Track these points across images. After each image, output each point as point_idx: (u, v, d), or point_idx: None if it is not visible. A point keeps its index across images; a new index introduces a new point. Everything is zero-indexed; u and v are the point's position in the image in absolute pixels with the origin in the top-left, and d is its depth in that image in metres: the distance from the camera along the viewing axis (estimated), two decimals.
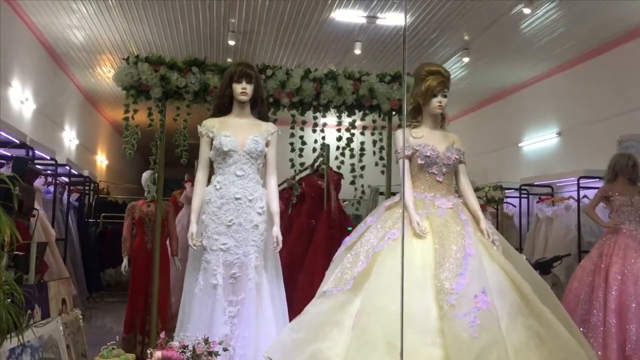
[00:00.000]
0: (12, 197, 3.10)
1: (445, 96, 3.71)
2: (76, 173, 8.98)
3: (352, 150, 4.75)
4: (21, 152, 6.59)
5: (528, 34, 8.15)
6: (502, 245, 3.55)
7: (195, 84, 4.44)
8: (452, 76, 10.38)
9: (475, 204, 3.68)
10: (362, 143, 4.97)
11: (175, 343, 2.98)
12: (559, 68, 9.27)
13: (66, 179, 8.97)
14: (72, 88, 10.65)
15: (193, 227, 3.62)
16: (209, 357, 3.00)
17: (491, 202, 9.65)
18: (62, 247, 8.10)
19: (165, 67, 4.37)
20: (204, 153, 3.76)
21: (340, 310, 3.20)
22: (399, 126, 3.81)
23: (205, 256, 3.60)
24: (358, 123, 4.96)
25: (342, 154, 4.83)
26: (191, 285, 3.64)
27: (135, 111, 4.44)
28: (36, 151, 6.91)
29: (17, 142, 6.39)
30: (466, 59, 8.99)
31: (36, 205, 7.12)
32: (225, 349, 3.10)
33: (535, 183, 9.26)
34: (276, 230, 3.68)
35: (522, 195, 9.69)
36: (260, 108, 3.85)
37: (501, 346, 2.96)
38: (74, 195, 9.57)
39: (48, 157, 7.45)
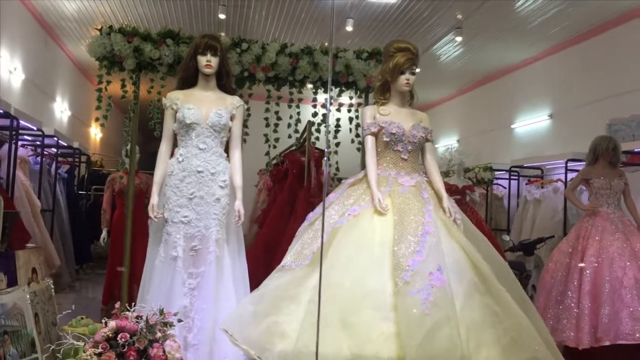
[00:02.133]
0: None
1: (413, 73, 3.68)
2: (65, 145, 8.95)
3: (327, 126, 4.72)
4: (5, 122, 6.61)
5: (522, 14, 8.06)
6: (465, 224, 3.55)
7: (170, 56, 4.41)
8: (445, 57, 10.35)
9: (439, 182, 3.68)
10: (338, 120, 4.95)
11: (130, 313, 3.00)
12: (553, 50, 9.19)
13: (56, 150, 8.99)
14: (64, 59, 10.60)
15: (154, 199, 3.63)
16: (164, 328, 3.02)
17: (481, 182, 9.66)
18: (49, 218, 8.15)
19: (138, 39, 4.35)
20: (168, 125, 3.74)
21: (297, 285, 3.21)
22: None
23: (166, 228, 3.61)
24: (334, 99, 4.94)
25: (318, 130, 4.81)
26: (152, 257, 3.66)
27: (109, 82, 4.43)
28: (22, 122, 6.93)
29: (1, 111, 6.38)
30: (459, 38, 8.92)
31: (21, 176, 7.19)
32: (180, 320, 3.11)
33: (525, 165, 9.24)
34: (238, 204, 3.68)
35: (512, 177, 9.67)
36: (226, 81, 3.83)
37: (453, 323, 2.97)
38: (64, 167, 9.59)
39: (35, 128, 7.45)
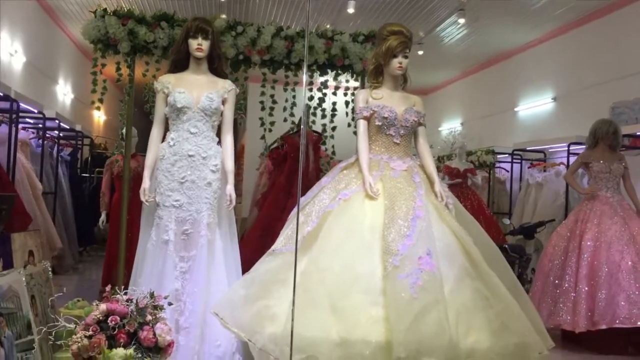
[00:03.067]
0: None
1: (406, 57, 3.65)
2: (67, 127, 8.97)
3: (323, 110, 4.71)
4: (5, 105, 6.62)
5: None
6: (457, 208, 3.54)
7: (164, 39, 4.40)
8: (448, 39, 10.25)
9: (431, 166, 3.66)
10: (334, 103, 4.93)
11: (120, 296, 3.03)
12: (557, 32, 9.10)
13: (60, 134, 9.02)
14: (66, 41, 10.59)
15: (145, 183, 3.64)
16: (155, 311, 3.04)
17: (483, 166, 9.63)
18: (51, 201, 8.20)
19: (133, 21, 4.34)
20: (159, 109, 3.73)
21: (288, 269, 3.20)
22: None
23: (158, 212, 3.62)
24: (330, 83, 4.92)
25: (314, 114, 4.79)
26: (144, 240, 3.68)
27: (104, 65, 4.42)
28: (23, 104, 6.94)
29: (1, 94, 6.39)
30: (462, 20, 8.84)
31: (22, 158, 7.22)
32: (170, 304, 3.13)
33: (528, 148, 9.19)
34: (229, 189, 3.68)
35: (515, 161, 9.64)
36: (218, 65, 3.81)
37: (441, 307, 2.98)
38: (67, 150, 9.62)
39: (35, 111, 7.46)
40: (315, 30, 4.72)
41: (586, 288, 5.24)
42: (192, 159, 3.62)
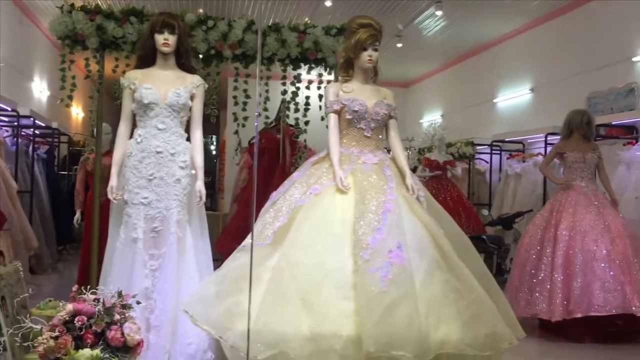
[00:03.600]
0: None
1: (376, 50, 3.63)
2: (43, 125, 8.85)
3: (297, 104, 4.68)
4: None
5: None
6: (428, 201, 3.54)
7: (134, 34, 4.34)
8: (427, 31, 10.23)
9: (402, 159, 3.65)
10: (307, 97, 4.90)
11: (86, 296, 2.99)
12: (534, 23, 9.13)
13: (36, 131, 8.91)
14: (40, 38, 10.45)
15: (113, 181, 3.59)
16: (123, 310, 3.01)
17: (462, 157, 9.67)
18: (28, 200, 8.10)
19: (101, 17, 4.27)
20: (127, 106, 3.68)
21: (258, 264, 3.19)
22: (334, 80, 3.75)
23: (126, 210, 3.58)
24: (303, 77, 4.88)
25: (287, 108, 4.76)
26: (113, 238, 3.64)
27: (72, 62, 4.35)
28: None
29: None
30: (439, 12, 8.84)
31: None
32: (138, 302, 3.10)
33: (506, 139, 9.24)
34: (199, 185, 3.64)
35: (494, 152, 9.69)
36: (185, 60, 3.76)
37: (411, 301, 2.97)
38: (44, 148, 9.51)
39: (9, 109, 7.36)
40: (287, 24, 4.68)
41: (562, 277, 5.27)
42: (160, 155, 3.57)
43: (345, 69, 3.70)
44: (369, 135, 3.61)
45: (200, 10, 9.05)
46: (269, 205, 3.52)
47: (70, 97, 4.35)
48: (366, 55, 3.61)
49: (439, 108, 12.53)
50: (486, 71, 10.64)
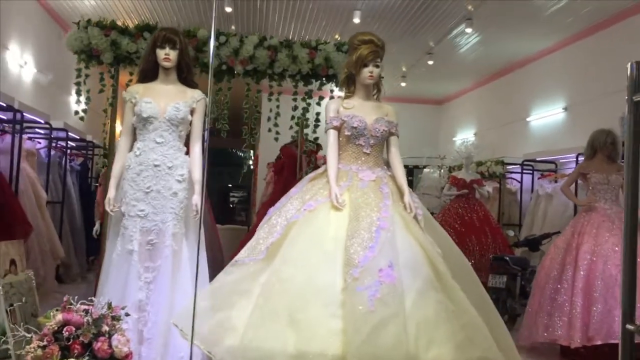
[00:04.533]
0: None
1: (377, 66, 3.60)
2: (77, 137, 9.08)
3: (307, 120, 4.68)
4: (10, 116, 6.74)
5: (536, 3, 7.86)
6: (427, 220, 3.47)
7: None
8: (459, 49, 10.13)
9: (401, 177, 3.60)
10: (318, 114, 4.90)
11: (75, 306, 3.02)
12: (568, 40, 8.94)
13: (71, 143, 9.15)
14: None
15: (111, 193, 3.64)
16: (113, 322, 3.03)
17: (492, 176, 9.50)
18: (59, 210, 8.30)
19: (116, 32, 4.37)
20: (127, 119, 3.74)
21: (250, 279, 3.18)
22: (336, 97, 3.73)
23: (123, 222, 3.62)
24: (316, 92, 4.89)
25: (297, 124, 4.76)
26: (111, 250, 3.68)
27: (87, 76, 4.45)
28: (30, 115, 7.05)
29: (4, 104, 6.48)
30: (469, 30, 8.74)
31: (27, 168, 7.32)
32: (127, 314, 3.12)
33: (538, 159, 9.03)
34: (196, 199, 3.66)
35: (526, 171, 9.49)
36: (187, 75, 3.80)
37: (399, 321, 2.91)
38: (79, 160, 9.75)
39: (42, 121, 7.57)
40: (299, 41, 4.69)
41: (582, 302, 5.09)
42: (157, 168, 3.61)
43: (347, 85, 3.69)
44: (367, 152, 3.57)
45: (233, 28, 9.23)
46: (264, 221, 3.51)
47: (85, 111, 4.44)
48: (367, 72, 3.58)
49: (472, 126, 12.36)
50: (519, 89, 10.46)
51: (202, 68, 4.47)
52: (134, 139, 3.78)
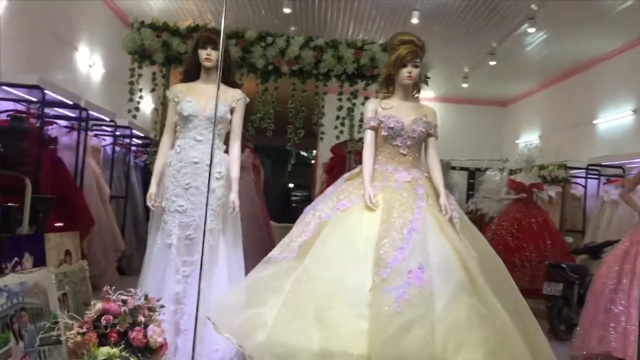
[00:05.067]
0: None
1: (416, 66, 3.57)
2: (141, 135, 9.40)
3: (352, 119, 4.69)
4: (76, 114, 7.05)
5: (603, 3, 7.59)
6: (463, 223, 3.42)
7: None
8: (523, 49, 9.87)
9: (438, 178, 3.56)
10: (362, 114, 4.88)
11: (114, 296, 3.14)
12: (638, 41, 8.56)
13: (137, 141, 9.50)
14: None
15: (152, 188, 3.77)
16: (149, 312, 3.14)
17: (554, 181, 9.22)
18: (123, 205, 8.64)
19: (167, 33, 4.51)
20: (170, 117, 3.86)
21: (282, 277, 3.23)
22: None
23: (163, 216, 3.73)
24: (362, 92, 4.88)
25: (342, 124, 4.78)
26: (152, 243, 3.80)
27: (140, 75, 4.61)
28: (95, 113, 7.37)
29: (70, 103, 6.78)
30: (532, 30, 8.50)
31: (92, 164, 7.64)
32: (162, 306, 3.21)
33: (603, 163, 8.68)
34: (233, 196, 3.73)
35: (591, 176, 9.14)
36: (228, 74, 3.88)
37: (426, 323, 2.88)
38: (143, 157, 10.09)
39: (107, 119, 7.88)
40: (345, 41, 4.70)
41: (637, 313, 4.87)
42: (196, 165, 3.71)
43: (386, 85, 3.68)
44: (404, 152, 3.55)
45: (293, 29, 9.33)
46: (300, 219, 3.54)
47: (137, 109, 4.60)
48: (405, 72, 3.56)
49: (536, 129, 12.02)
50: (586, 91, 10.10)
51: (249, 68, 4.57)
52: (175, 136, 3.89)
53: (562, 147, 10.42)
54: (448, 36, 9.39)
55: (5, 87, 5.93)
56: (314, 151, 19.15)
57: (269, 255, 3.38)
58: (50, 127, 6.67)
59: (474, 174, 12.24)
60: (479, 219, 11.29)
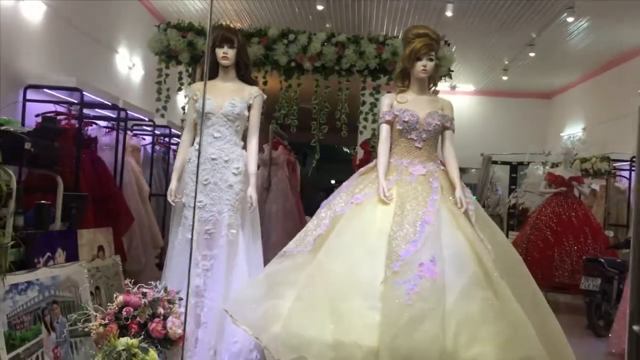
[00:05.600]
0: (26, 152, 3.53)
1: (431, 59, 3.56)
2: (180, 134, 9.57)
3: (375, 114, 4.70)
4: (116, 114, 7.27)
5: None
6: (479, 216, 3.39)
7: None
8: (565, 39, 9.65)
9: (454, 171, 3.54)
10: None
11: (134, 289, 3.25)
12: None
13: (177, 140, 9.71)
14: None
15: (172, 184, 3.87)
16: (169, 305, 3.24)
17: (597, 174, 9.00)
18: (162, 202, 8.86)
19: (192, 34, 4.61)
20: (190, 115, 3.96)
21: (297, 270, 3.28)
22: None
23: (184, 212, 3.83)
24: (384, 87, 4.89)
25: (365, 119, 4.79)
26: (174, 238, 3.90)
27: (167, 75, 4.73)
28: (134, 113, 7.58)
29: (109, 103, 6.99)
30: (570, 19, 8.32)
31: (132, 162, 7.86)
32: (180, 299, 3.30)
33: None
34: (250, 191, 3.80)
35: (636, 168, 8.87)
36: (245, 72, 3.96)
37: (437, 315, 2.88)
38: None
39: (146, 119, 8.09)
40: (367, 36, 4.71)
41: None
42: (214, 162, 3.79)
43: (402, 79, 3.68)
44: (420, 146, 3.55)
45: (328, 26, 9.36)
46: (316, 214, 3.58)
47: (165, 108, 4.72)
48: (420, 65, 3.56)
49: (580, 121, 11.73)
50: (632, 81, 9.79)
51: (273, 66, 4.64)
52: (195, 134, 3.98)
53: (606, 139, 10.15)
54: (485, 28, 9.27)
55: (46, 90, 6.17)
56: (355, 148, 19.23)
57: (285, 249, 3.44)
58: (89, 127, 6.89)
59: (516, 168, 12.04)
60: (521, 213, 11.11)
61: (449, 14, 8.29)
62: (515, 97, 12.53)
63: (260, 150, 7.74)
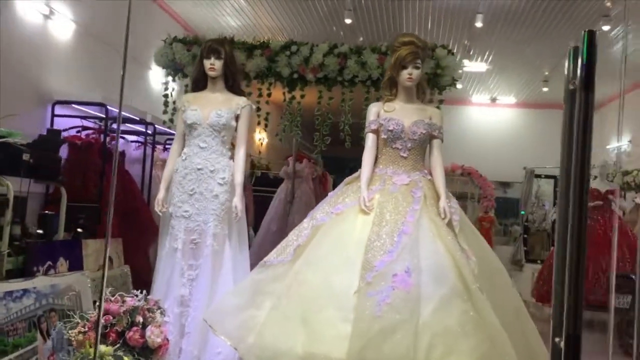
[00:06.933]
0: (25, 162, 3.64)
1: (417, 67, 3.49)
2: None
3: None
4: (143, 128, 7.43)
5: None
6: (463, 227, 3.28)
7: None
8: (607, 48, 9.35)
9: (440, 181, 3.44)
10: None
11: (112, 297, 3.29)
12: None
13: None
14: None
15: (160, 194, 3.90)
16: (149, 314, 3.25)
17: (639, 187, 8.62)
18: None
19: (197, 47, 4.67)
20: (179, 126, 4.00)
21: (276, 281, 3.24)
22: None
23: (171, 222, 3.86)
24: None
25: None
26: (161, 248, 3.93)
27: (173, 89, 4.80)
28: (164, 127, 7.74)
29: (137, 118, 7.16)
30: (606, 28, 8.03)
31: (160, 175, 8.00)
32: (159, 307, 3.32)
33: None
34: (236, 201, 3.80)
35: None
36: (233, 83, 3.97)
37: (409, 328, 2.79)
38: None
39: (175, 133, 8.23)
40: (369, 46, 4.67)
41: None
42: (200, 172, 3.81)
43: (389, 87, 3.62)
44: (405, 155, 3.47)
45: (361, 39, 9.35)
46: (300, 223, 3.55)
47: (172, 120, 4.80)
48: (406, 74, 3.49)
49: (626, 132, 11.27)
50: None
51: (276, 78, 4.66)
52: (184, 144, 4.02)
53: None
54: (522, 38, 9.06)
55: (74, 105, 6.37)
56: None
57: (265, 259, 3.41)
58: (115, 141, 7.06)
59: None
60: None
61: (478, 24, 8.15)
62: (558, 109, 12.15)
63: (286, 163, 7.78)
